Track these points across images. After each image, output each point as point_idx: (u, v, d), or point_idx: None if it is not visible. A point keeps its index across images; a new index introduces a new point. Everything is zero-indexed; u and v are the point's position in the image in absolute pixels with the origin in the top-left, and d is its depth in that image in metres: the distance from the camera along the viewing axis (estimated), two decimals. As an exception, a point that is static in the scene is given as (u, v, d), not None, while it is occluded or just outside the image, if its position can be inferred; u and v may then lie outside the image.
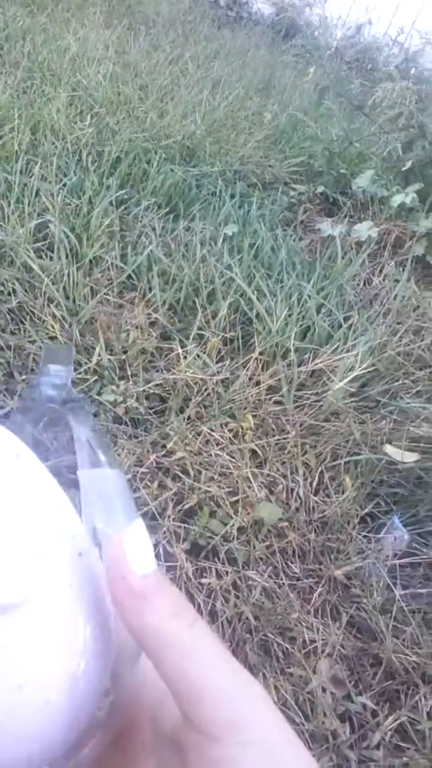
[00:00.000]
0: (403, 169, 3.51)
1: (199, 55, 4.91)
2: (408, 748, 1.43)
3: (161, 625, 0.32)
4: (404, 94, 3.43)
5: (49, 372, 0.42)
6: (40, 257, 2.30)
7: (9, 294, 2.17)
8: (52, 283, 2.18)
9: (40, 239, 2.38)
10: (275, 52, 6.06)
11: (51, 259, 2.30)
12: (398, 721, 1.47)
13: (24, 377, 1.96)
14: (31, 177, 2.58)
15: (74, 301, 2.20)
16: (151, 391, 2.02)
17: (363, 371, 2.20)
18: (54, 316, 2.09)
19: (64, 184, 2.66)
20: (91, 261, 2.37)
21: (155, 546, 1.65)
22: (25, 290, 2.18)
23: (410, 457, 2.11)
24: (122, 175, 2.89)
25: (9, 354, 2.00)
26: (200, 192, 3.07)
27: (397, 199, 3.28)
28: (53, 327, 2.06)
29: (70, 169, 2.77)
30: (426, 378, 2.46)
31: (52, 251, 2.33)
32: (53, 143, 2.90)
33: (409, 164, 3.47)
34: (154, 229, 2.63)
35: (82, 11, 4.94)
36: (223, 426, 1.96)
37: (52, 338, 2.04)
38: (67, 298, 2.20)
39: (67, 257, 2.30)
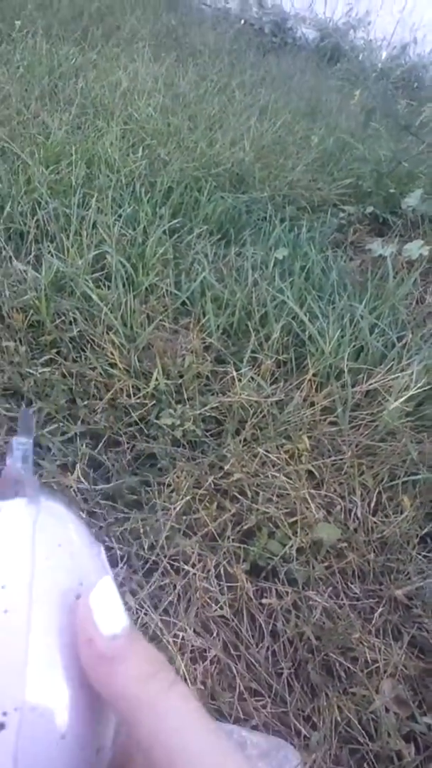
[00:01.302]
0: (453, 186, 3.52)
1: (246, 83, 5.01)
2: None
3: (133, 689, 0.31)
4: (452, 112, 3.44)
5: (13, 447, 0.42)
6: (99, 287, 2.38)
7: (70, 323, 2.25)
8: (110, 312, 2.26)
9: (98, 269, 2.46)
10: (321, 76, 6.13)
11: (109, 288, 2.38)
12: (464, 743, 1.46)
13: (86, 403, 2.03)
14: (88, 210, 2.68)
15: (132, 328, 2.27)
16: (208, 414, 2.06)
17: (418, 390, 2.20)
18: (113, 343, 2.16)
19: (120, 216, 2.75)
20: (146, 289, 2.44)
21: (216, 566, 1.69)
22: (85, 319, 2.26)
23: (469, 476, 2.10)
24: (174, 204, 2.97)
25: (71, 381, 2.07)
26: (250, 217, 3.13)
27: (447, 217, 3.29)
28: (112, 354, 2.13)
29: (125, 200, 2.87)
30: None
31: (110, 281, 2.41)
32: (108, 176, 3.00)
33: (458, 182, 3.48)
34: (206, 255, 2.70)
35: (131, 46, 5.10)
36: (279, 447, 1.98)
37: (112, 365, 2.11)
38: (125, 325, 2.27)
39: (124, 286, 2.38)
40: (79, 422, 1.97)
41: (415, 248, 3.19)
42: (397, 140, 4.19)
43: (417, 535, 1.94)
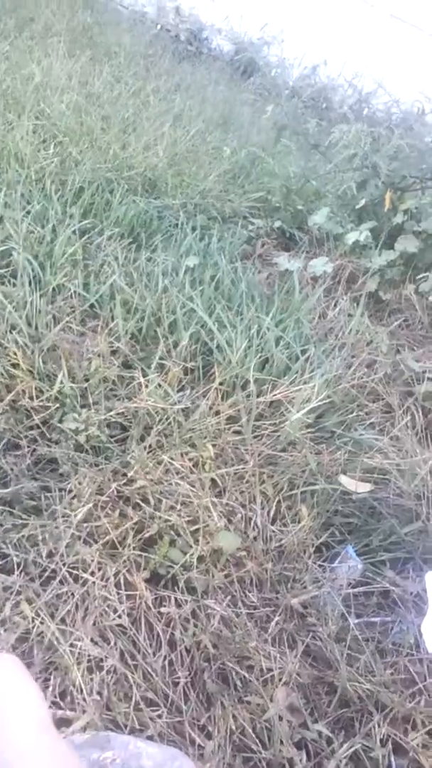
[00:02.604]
0: (357, 207, 3.64)
1: (161, 88, 5.00)
2: (362, 775, 1.47)
3: None
4: (359, 135, 3.56)
5: None
6: (3, 284, 2.31)
7: (-29, 320, 2.17)
8: (15, 310, 2.19)
9: (3, 266, 2.39)
10: (234, 89, 6.22)
11: (14, 285, 2.32)
12: (353, 749, 1.50)
13: (-15, 404, 1.96)
14: (-6, 204, 2.60)
15: (36, 328, 2.21)
16: (113, 420, 2.04)
17: (319, 403, 2.26)
18: (16, 343, 2.10)
19: (28, 212, 2.68)
20: (54, 289, 2.39)
21: (116, 575, 1.66)
22: (-13, 316, 2.19)
23: (364, 488, 2.17)
24: (85, 204, 2.93)
25: (-30, 380, 2.00)
26: (162, 223, 3.12)
27: (351, 237, 3.40)
28: (15, 354, 2.07)
29: (34, 197, 2.80)
30: (379, 410, 2.54)
31: (15, 278, 2.34)
32: (17, 171, 2.92)
33: (362, 202, 3.61)
34: (116, 258, 2.67)
35: (45, 40, 4.99)
36: (184, 455, 1.98)
37: (14, 365, 2.04)
38: (30, 325, 2.21)
39: (30, 285, 2.32)
40: (-23, 424, 1.90)
41: (319, 264, 3.29)
42: (306, 158, 4.30)
43: (313, 545, 1.99)
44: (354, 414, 2.41)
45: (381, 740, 1.53)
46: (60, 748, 0.41)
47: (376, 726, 1.55)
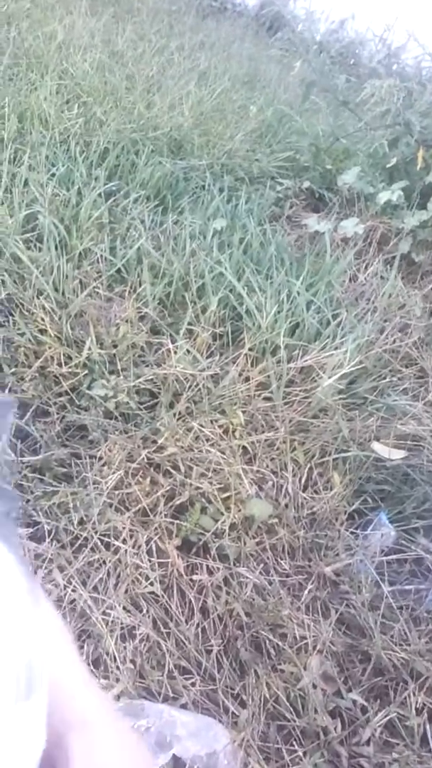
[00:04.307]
0: (388, 166, 3.53)
1: (185, 46, 4.88)
2: (397, 744, 1.45)
3: None
4: (392, 91, 3.43)
5: None
6: (29, 248, 2.28)
7: (-2, 285, 2.15)
8: (41, 275, 2.16)
9: (29, 230, 2.35)
10: (260, 45, 6.05)
11: (40, 250, 2.28)
12: (387, 717, 1.49)
13: (13, 370, 1.95)
14: (19, 166, 2.55)
15: (63, 293, 2.18)
16: (142, 386, 2.01)
17: (351, 368, 2.21)
18: (44, 309, 2.07)
19: (53, 175, 2.63)
20: (80, 254, 2.35)
21: (147, 542, 1.65)
22: (14, 281, 2.16)
23: (397, 454, 2.13)
24: (110, 166, 2.87)
25: (-2, 346, 1.98)
26: (188, 185, 3.05)
27: (383, 197, 3.29)
28: (43, 320, 2.04)
29: (59, 159, 2.75)
30: (412, 375, 2.48)
31: (41, 243, 2.31)
32: (41, 132, 2.86)
33: (394, 161, 3.49)
34: (143, 221, 2.62)
35: (67, -3, 4.88)
36: (213, 422, 1.95)
37: (41, 331, 2.02)
38: (57, 290, 2.18)
39: (56, 249, 2.28)
40: (6, 391, 1.88)
41: (350, 226, 3.20)
42: (335, 116, 4.18)
43: (345, 512, 1.96)
44: (387, 379, 2.35)
45: (417, 709, 1.51)
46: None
47: (411, 695, 1.53)
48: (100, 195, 2.61)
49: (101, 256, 2.37)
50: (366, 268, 2.97)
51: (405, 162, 3.51)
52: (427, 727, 1.50)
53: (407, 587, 1.84)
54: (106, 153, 2.93)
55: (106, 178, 2.74)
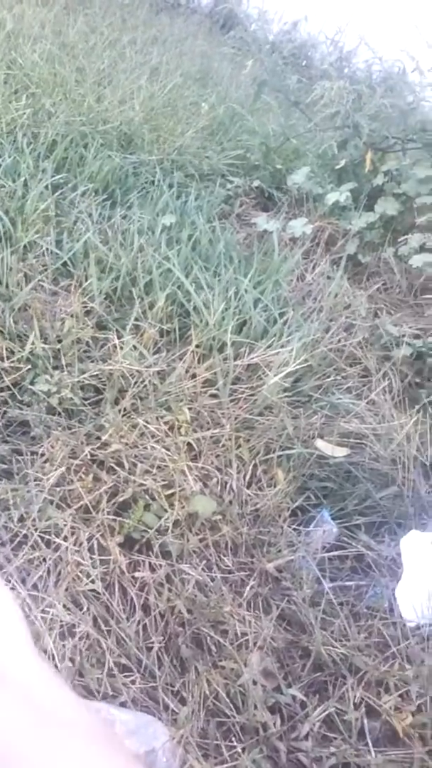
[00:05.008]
0: (337, 167, 3.57)
1: (137, 40, 4.83)
2: (335, 738, 1.47)
3: None
4: (341, 93, 3.47)
5: None
6: (-28, 240, 2.23)
7: None
8: (-16, 268, 2.12)
9: (-28, 221, 2.30)
10: (213, 43, 6.04)
11: (-17, 242, 2.23)
12: (326, 712, 1.51)
13: None
14: (-37, 156, 2.50)
15: (7, 286, 2.14)
16: (86, 382, 1.99)
17: (297, 367, 2.23)
18: (-14, 302, 2.03)
19: (-2, 165, 2.58)
20: (25, 246, 2.31)
21: (89, 540, 1.64)
22: None
23: (340, 452, 2.16)
24: (58, 158, 2.83)
25: None
26: (138, 180, 3.03)
27: (331, 197, 3.33)
28: (-15, 313, 2.00)
29: (5, 150, 2.69)
30: (356, 374, 2.51)
31: (-15, 234, 2.26)
32: (-14, 122, 2.80)
33: (343, 163, 3.53)
34: (90, 215, 2.59)
35: (16, -15, 4.79)
36: (159, 419, 1.95)
37: (-16, 324, 1.98)
38: (0, 283, 2.13)
39: (0, 241, 2.24)
40: None
41: (299, 226, 3.22)
42: (286, 116, 4.20)
43: (288, 509, 1.98)
44: (331, 378, 2.38)
45: (354, 703, 1.53)
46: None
47: (350, 689, 1.55)
48: (47, 187, 2.57)
49: (47, 249, 2.34)
50: (313, 268, 3.00)
51: (353, 164, 3.56)
52: (365, 721, 1.52)
53: (348, 583, 1.86)
54: (54, 145, 2.89)
55: (53, 171, 2.70)
